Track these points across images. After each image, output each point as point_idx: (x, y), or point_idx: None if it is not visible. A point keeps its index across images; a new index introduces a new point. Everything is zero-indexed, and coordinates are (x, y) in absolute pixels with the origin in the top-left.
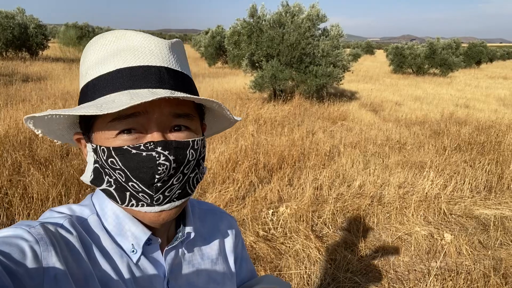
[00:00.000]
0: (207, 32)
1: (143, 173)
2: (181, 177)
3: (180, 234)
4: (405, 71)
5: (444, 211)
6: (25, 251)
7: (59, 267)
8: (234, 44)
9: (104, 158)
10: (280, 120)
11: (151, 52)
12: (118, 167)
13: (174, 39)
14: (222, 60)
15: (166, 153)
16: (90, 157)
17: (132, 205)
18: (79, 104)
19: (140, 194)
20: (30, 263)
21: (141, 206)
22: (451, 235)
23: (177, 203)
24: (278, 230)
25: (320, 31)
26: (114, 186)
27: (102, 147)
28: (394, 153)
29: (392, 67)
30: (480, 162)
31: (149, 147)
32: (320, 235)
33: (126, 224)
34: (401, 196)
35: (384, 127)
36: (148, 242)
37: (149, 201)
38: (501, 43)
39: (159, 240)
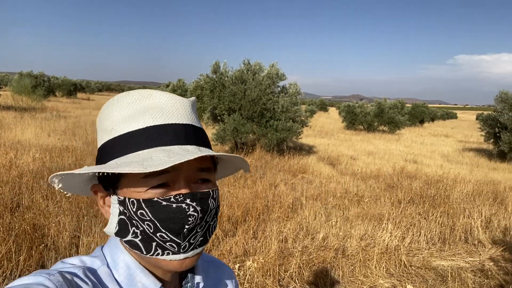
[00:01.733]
0: (168, 85)
1: (173, 224)
2: (204, 225)
3: (190, 284)
4: (357, 127)
5: (404, 262)
6: None
7: None
8: (197, 97)
9: (134, 210)
10: (242, 173)
11: (177, 111)
12: (148, 218)
13: (192, 98)
14: None
15: (194, 204)
16: (115, 209)
17: (158, 254)
18: (103, 159)
19: (168, 243)
20: None
21: (167, 255)
22: (413, 286)
23: (199, 250)
24: (245, 286)
25: (279, 88)
26: (140, 237)
27: (131, 199)
28: (353, 205)
29: (345, 123)
30: (433, 214)
31: (179, 199)
32: None
33: (137, 275)
34: (363, 248)
35: (342, 180)
36: None
37: (176, 249)
38: (440, 104)
39: None
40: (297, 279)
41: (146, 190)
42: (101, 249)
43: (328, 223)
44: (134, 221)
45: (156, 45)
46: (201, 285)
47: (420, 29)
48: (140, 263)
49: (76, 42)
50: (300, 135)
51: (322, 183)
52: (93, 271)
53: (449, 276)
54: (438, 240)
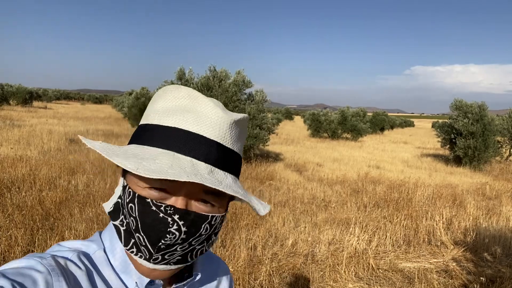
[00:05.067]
0: (130, 93)
1: (152, 232)
2: (186, 247)
3: (187, 275)
4: (322, 135)
5: (372, 266)
6: (37, 281)
7: None
8: None
9: (127, 200)
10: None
11: (212, 123)
12: (134, 214)
13: (242, 115)
14: None
15: (180, 223)
16: (118, 190)
17: (132, 252)
18: (132, 139)
19: (142, 247)
20: None
21: (139, 258)
22: None
23: (173, 267)
24: None
25: (246, 96)
26: (124, 228)
27: (129, 189)
28: (321, 211)
29: (310, 131)
30: (397, 217)
31: (168, 211)
32: None
33: (132, 263)
34: (332, 253)
35: (309, 186)
36: (151, 282)
37: (147, 256)
38: (398, 113)
39: (162, 282)
40: (267, 286)
41: (145, 187)
42: (100, 234)
43: (297, 229)
44: (124, 210)
45: (118, 52)
46: (198, 276)
47: (379, 41)
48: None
49: (32, 48)
50: (267, 142)
51: (290, 190)
52: (87, 256)
53: (416, 277)
54: (403, 243)
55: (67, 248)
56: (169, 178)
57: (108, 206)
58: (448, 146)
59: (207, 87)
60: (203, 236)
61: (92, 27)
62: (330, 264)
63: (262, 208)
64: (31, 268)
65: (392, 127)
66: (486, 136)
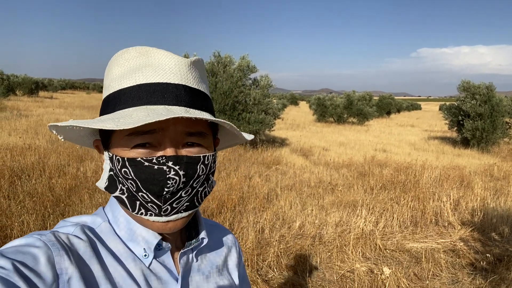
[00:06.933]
0: None
1: (153, 185)
2: (190, 191)
3: (194, 240)
4: (327, 120)
5: (379, 246)
6: (37, 257)
7: (72, 271)
8: None
9: (119, 167)
10: (216, 166)
11: (171, 70)
12: (130, 177)
13: (195, 57)
14: None
15: (176, 167)
16: (106, 165)
17: (142, 213)
18: (100, 115)
19: (149, 204)
20: (43, 268)
21: (150, 216)
22: (389, 269)
23: (184, 214)
24: None
25: (250, 81)
26: (126, 194)
27: (117, 157)
28: (327, 194)
29: (316, 116)
30: (404, 199)
31: (161, 161)
32: (266, 279)
33: (137, 229)
34: (339, 235)
35: (316, 170)
36: (158, 247)
37: (157, 211)
38: (404, 96)
39: (170, 245)
40: (276, 267)
41: (131, 149)
42: (103, 208)
43: (303, 212)
44: (120, 178)
45: (122, 40)
46: (205, 241)
47: (385, 23)
48: (137, 221)
49: (37, 39)
50: (272, 127)
51: (296, 174)
52: (94, 227)
53: (423, 257)
54: (410, 224)
55: (71, 223)
56: (150, 121)
57: (102, 183)
58: (455, 128)
59: (212, 73)
60: (202, 177)
61: (97, 15)
62: (337, 245)
63: (247, 136)
64: (30, 245)
65: (398, 111)
66: (494, 117)
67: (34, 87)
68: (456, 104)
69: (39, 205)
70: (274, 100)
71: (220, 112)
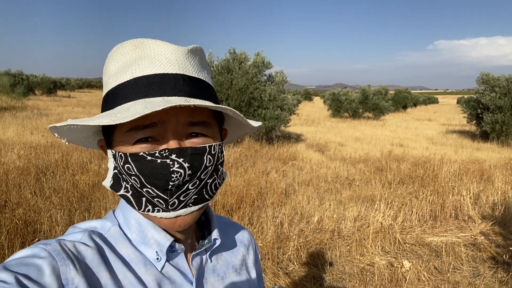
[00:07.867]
0: None
1: (157, 180)
2: (197, 183)
3: (207, 241)
4: (342, 115)
5: (398, 240)
6: (42, 269)
7: (78, 281)
8: None
9: (121, 164)
10: (233, 162)
11: (167, 59)
12: (133, 173)
13: (192, 45)
14: None
15: (180, 160)
16: (111, 163)
17: (149, 210)
18: (101, 113)
19: (155, 199)
20: (47, 279)
21: (157, 212)
22: (409, 262)
23: (193, 208)
24: None
25: (266, 77)
26: (131, 192)
27: (120, 153)
28: (345, 189)
29: (331, 111)
30: (423, 193)
31: (164, 154)
32: (287, 271)
33: (149, 231)
34: (358, 229)
35: (332, 165)
36: (171, 249)
37: (164, 206)
38: (421, 90)
39: (183, 247)
40: (296, 261)
41: (133, 144)
42: (113, 212)
43: (321, 206)
44: (124, 176)
45: (137, 36)
46: (218, 241)
47: (400, 16)
48: (147, 219)
49: (55, 40)
50: (288, 123)
51: (313, 169)
52: (103, 233)
53: (443, 251)
54: (430, 218)
55: (80, 229)
56: (147, 113)
57: (107, 181)
58: (474, 121)
59: (227, 70)
60: (209, 168)
61: (112, 14)
62: (356, 239)
63: (253, 123)
64: (34, 256)
65: (415, 105)
66: None
67: (52, 87)
68: (475, 97)
69: (65, 200)
70: (289, 96)
71: (236, 108)
